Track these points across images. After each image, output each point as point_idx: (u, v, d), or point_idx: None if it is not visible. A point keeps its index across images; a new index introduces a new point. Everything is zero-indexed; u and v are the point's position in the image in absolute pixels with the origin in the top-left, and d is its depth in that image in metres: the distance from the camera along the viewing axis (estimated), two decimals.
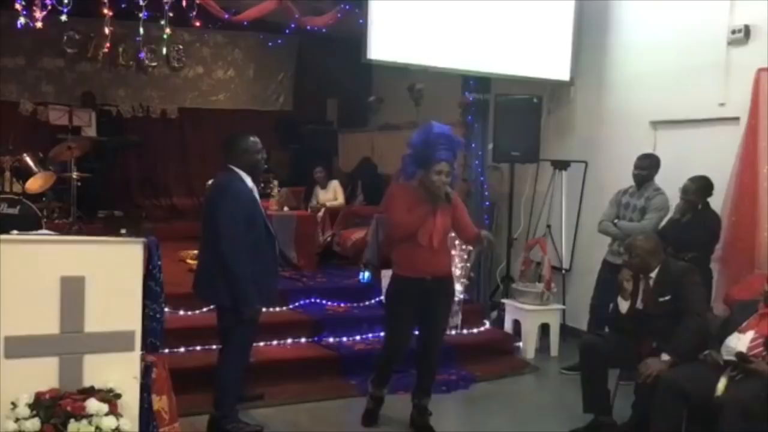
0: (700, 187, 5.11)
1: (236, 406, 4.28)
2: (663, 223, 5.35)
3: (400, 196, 4.32)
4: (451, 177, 4.18)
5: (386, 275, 5.97)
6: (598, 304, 5.59)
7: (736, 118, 5.46)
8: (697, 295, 4.17)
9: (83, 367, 2.86)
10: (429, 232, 4.17)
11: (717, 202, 5.26)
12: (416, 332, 4.49)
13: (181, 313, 5.52)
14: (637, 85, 6.37)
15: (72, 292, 2.83)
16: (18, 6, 6.53)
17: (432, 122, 4.31)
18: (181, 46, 10.21)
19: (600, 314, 5.51)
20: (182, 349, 5.13)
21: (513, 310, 6.50)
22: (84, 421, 2.68)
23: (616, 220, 5.53)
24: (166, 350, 4.39)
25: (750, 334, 3.81)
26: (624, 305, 4.35)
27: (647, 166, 5.46)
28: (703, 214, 5.15)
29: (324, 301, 6.21)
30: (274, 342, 5.47)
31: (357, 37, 6.14)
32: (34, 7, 6.50)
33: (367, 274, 6.43)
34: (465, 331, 6.21)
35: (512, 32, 6.60)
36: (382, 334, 5.53)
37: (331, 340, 5.66)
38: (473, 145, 6.95)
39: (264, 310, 4.59)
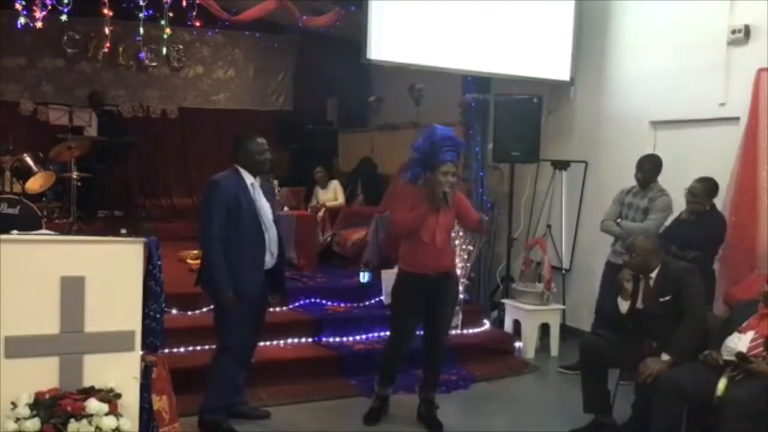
0: (708, 187, 5.08)
1: (226, 402, 4.26)
2: (667, 222, 5.33)
3: (405, 196, 4.41)
4: (456, 177, 4.29)
5: (386, 275, 5.99)
6: (602, 306, 5.56)
7: (736, 118, 5.46)
8: (697, 295, 4.17)
9: (83, 367, 2.87)
10: (432, 230, 4.27)
11: (717, 202, 5.24)
12: (421, 332, 4.56)
13: (181, 313, 5.53)
14: (637, 85, 6.37)
15: (72, 292, 2.84)
16: (18, 6, 6.55)
17: (435, 125, 4.39)
18: (181, 46, 10.24)
19: (603, 315, 5.50)
20: (182, 349, 5.12)
21: (513, 310, 6.49)
22: (84, 421, 2.68)
23: (619, 220, 5.49)
24: (166, 350, 4.40)
25: (750, 334, 3.81)
26: (624, 305, 4.34)
27: (648, 168, 5.40)
28: (710, 215, 5.12)
29: (324, 301, 6.21)
30: (274, 342, 5.46)
31: (357, 37, 6.14)
32: (34, 7, 6.52)
33: (366, 274, 6.43)
34: (465, 331, 6.21)
35: (512, 32, 6.60)
36: (382, 334, 5.56)
37: (331, 340, 5.66)
38: (477, 149, 6.95)
39: (269, 309, 4.63)
